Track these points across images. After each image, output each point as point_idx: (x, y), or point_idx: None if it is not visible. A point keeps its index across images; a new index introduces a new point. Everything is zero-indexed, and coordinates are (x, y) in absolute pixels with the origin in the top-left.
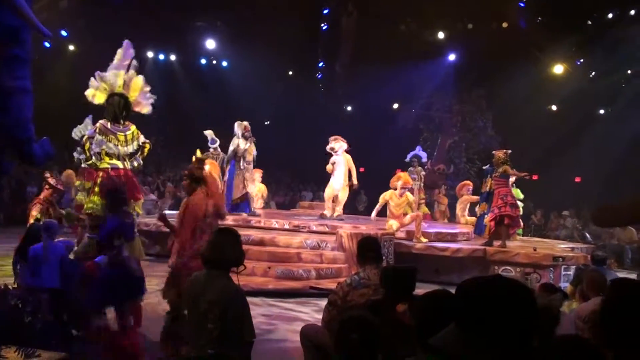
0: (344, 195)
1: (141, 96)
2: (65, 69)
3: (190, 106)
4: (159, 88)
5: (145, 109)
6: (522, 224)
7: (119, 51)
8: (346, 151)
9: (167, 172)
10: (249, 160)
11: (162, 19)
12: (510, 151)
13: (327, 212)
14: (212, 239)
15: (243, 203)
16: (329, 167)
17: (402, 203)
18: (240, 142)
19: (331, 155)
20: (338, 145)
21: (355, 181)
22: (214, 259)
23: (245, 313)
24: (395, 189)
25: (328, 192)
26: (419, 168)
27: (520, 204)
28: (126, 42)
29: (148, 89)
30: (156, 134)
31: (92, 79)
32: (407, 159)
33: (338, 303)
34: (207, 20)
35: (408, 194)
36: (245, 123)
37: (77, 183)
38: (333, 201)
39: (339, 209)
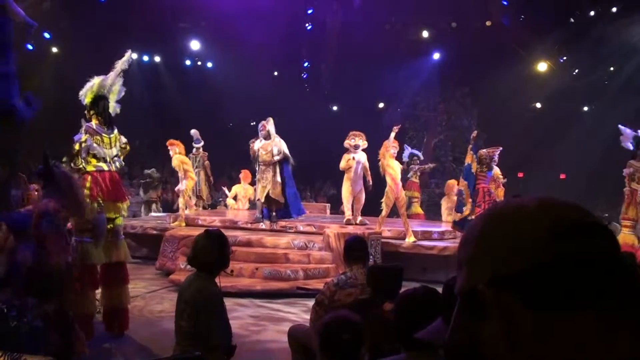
0: (362, 198)
1: (115, 97)
2: (49, 71)
3: (175, 107)
4: (143, 90)
5: (114, 108)
6: None
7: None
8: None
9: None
10: (264, 160)
11: (146, 20)
12: (499, 148)
13: (351, 216)
14: (194, 240)
15: (272, 208)
16: (345, 165)
17: (398, 166)
18: (256, 143)
19: (344, 152)
20: (362, 143)
21: (370, 182)
22: (193, 261)
23: (215, 317)
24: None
25: (347, 194)
26: (417, 167)
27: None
28: (129, 51)
29: (122, 91)
30: (141, 135)
31: (96, 79)
32: (406, 158)
33: (325, 303)
34: (191, 21)
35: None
36: (265, 121)
37: None
38: (354, 204)
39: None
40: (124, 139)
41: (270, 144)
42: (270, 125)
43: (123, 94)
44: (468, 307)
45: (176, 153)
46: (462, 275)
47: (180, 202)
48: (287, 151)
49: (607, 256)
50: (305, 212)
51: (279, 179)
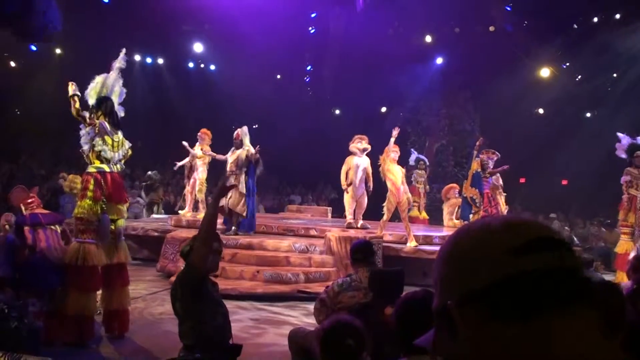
0: (364, 202)
1: (117, 99)
2: (52, 72)
3: (177, 110)
4: (146, 92)
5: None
6: None
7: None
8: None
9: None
10: (230, 169)
11: (149, 22)
12: (496, 154)
13: (352, 220)
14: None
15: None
16: (348, 169)
17: (399, 170)
18: (229, 153)
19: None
20: (367, 147)
21: (371, 186)
22: (181, 254)
23: (198, 294)
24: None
25: (349, 198)
26: (423, 171)
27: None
28: (123, 50)
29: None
30: (143, 137)
31: (98, 78)
32: (412, 162)
33: (327, 302)
34: (194, 23)
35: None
36: (240, 129)
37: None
38: (355, 208)
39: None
40: (128, 143)
41: (237, 153)
42: (243, 134)
43: (124, 96)
44: (442, 324)
45: (205, 143)
46: (435, 295)
47: (198, 193)
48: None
49: (562, 268)
50: (254, 230)
51: (243, 190)
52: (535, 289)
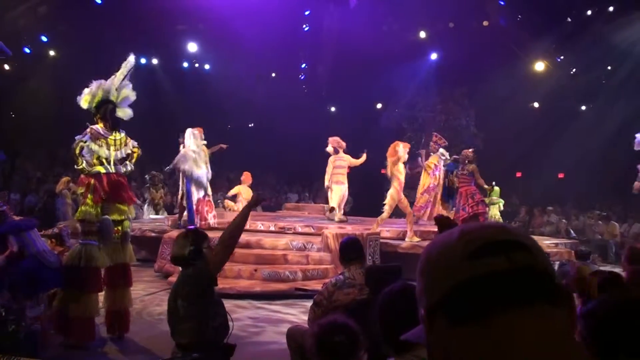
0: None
1: (124, 102)
2: (47, 74)
3: (172, 110)
4: (141, 92)
5: (126, 112)
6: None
7: (125, 65)
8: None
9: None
10: None
11: (142, 22)
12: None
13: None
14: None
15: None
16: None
17: (404, 169)
18: None
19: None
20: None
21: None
22: (173, 260)
23: (202, 294)
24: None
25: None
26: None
27: (500, 200)
28: (131, 55)
29: (134, 96)
30: (139, 138)
31: (94, 84)
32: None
33: (324, 303)
34: (188, 23)
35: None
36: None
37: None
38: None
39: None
40: (134, 143)
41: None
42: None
43: (134, 98)
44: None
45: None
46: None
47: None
48: (177, 162)
49: (515, 269)
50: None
51: (180, 189)
52: (485, 290)
